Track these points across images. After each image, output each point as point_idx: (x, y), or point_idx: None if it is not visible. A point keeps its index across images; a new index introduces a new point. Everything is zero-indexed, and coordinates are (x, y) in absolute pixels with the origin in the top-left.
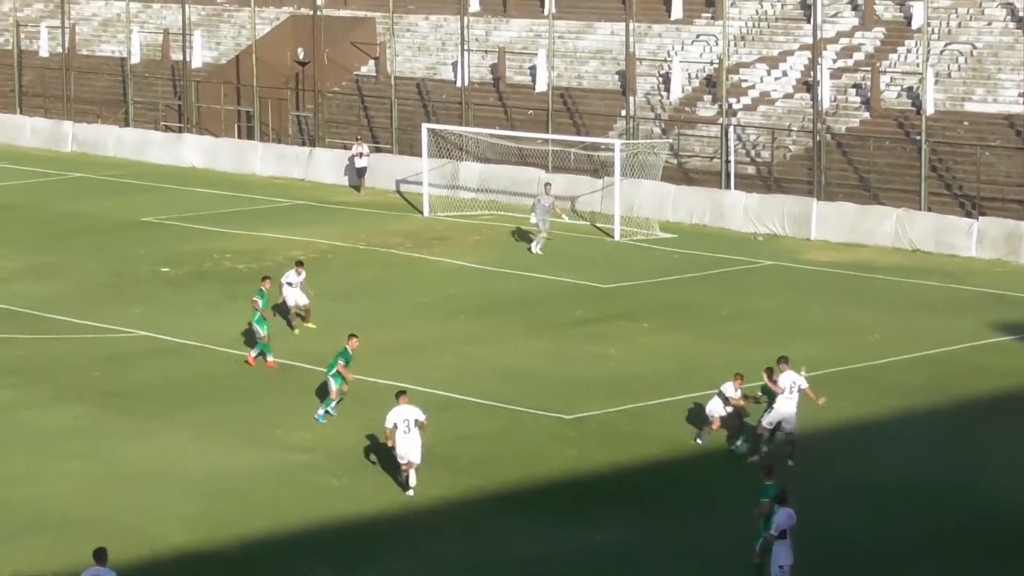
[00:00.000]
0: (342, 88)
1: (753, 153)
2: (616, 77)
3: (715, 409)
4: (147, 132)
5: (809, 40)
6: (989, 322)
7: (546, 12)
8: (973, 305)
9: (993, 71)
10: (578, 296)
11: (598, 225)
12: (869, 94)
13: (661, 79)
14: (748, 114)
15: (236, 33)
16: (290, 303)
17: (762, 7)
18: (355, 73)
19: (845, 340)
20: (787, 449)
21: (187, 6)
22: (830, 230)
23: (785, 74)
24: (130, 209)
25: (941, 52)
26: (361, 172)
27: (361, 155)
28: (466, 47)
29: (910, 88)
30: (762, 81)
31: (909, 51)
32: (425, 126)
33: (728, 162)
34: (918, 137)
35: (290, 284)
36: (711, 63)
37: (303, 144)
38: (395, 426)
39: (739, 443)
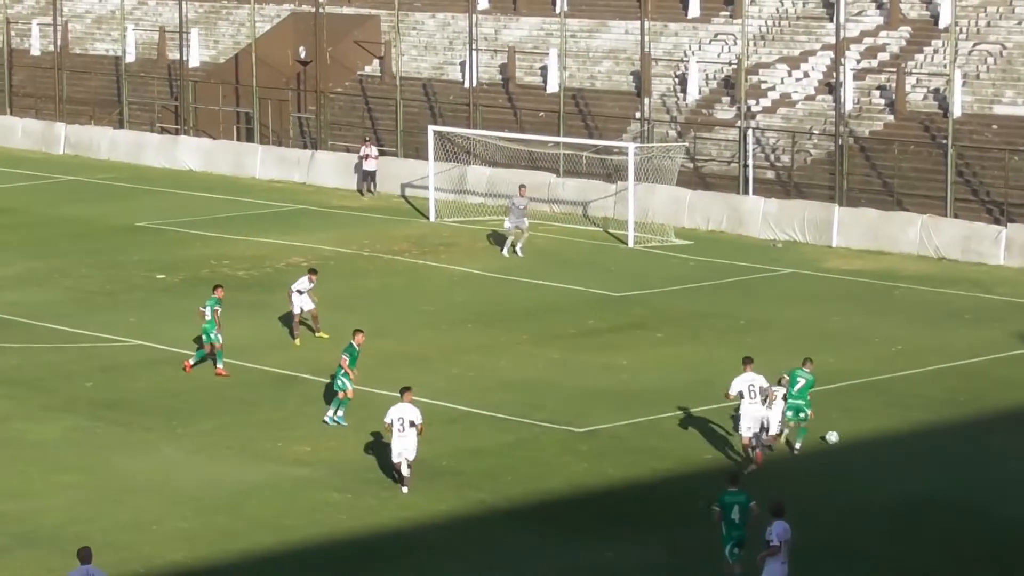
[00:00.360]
0: (345, 88)
1: (772, 157)
2: (630, 78)
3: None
4: (142, 134)
5: (832, 40)
6: (1017, 333)
7: (558, 10)
8: (1000, 315)
9: (1023, 72)
10: (590, 305)
11: (611, 231)
12: (894, 96)
13: (677, 80)
14: (768, 116)
15: (235, 31)
16: (296, 310)
17: (783, 5)
18: (359, 73)
19: (867, 351)
20: (750, 454)
21: (184, 3)
22: (852, 237)
23: (806, 75)
24: (125, 214)
25: (969, 52)
26: (369, 175)
27: (368, 157)
28: (474, 46)
29: (936, 90)
30: (782, 82)
31: (936, 51)
32: (431, 128)
33: (746, 166)
34: (944, 141)
35: (300, 292)
36: (729, 63)
37: (304, 147)
38: (392, 423)
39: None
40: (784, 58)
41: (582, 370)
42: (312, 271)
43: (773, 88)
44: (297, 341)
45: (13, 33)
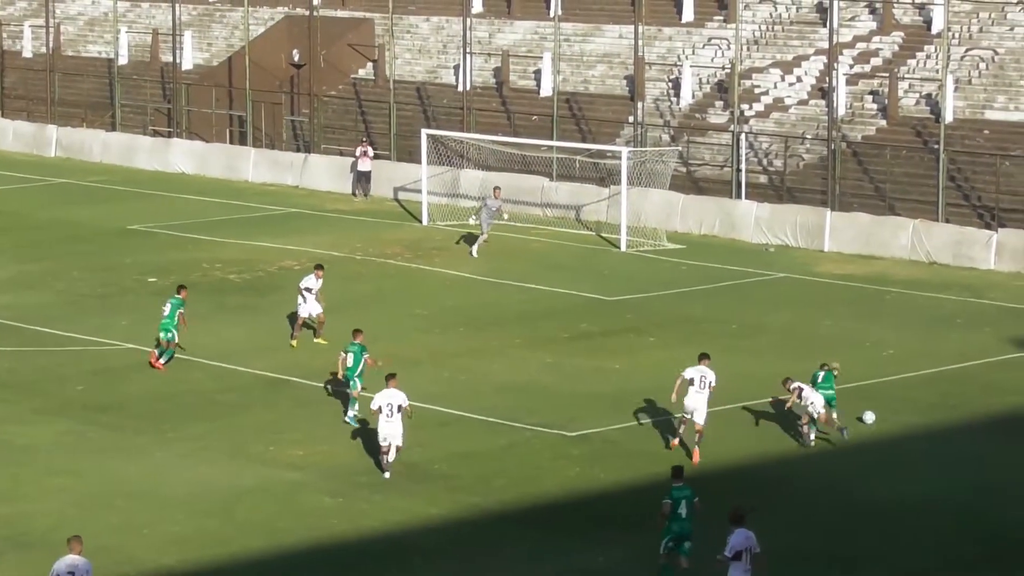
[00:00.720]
0: (339, 92)
1: (765, 162)
2: (624, 82)
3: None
4: (135, 137)
5: (825, 44)
6: (1008, 337)
7: (552, 14)
8: (991, 320)
9: (1015, 78)
10: (582, 308)
11: (604, 235)
12: (886, 101)
13: (671, 84)
14: (760, 121)
15: (228, 34)
16: (303, 313)
17: (776, 10)
18: (352, 76)
19: (858, 355)
20: (695, 437)
21: (177, 5)
22: (844, 242)
23: (800, 80)
24: (116, 217)
25: (961, 58)
26: (364, 176)
27: (363, 156)
28: (468, 50)
29: (929, 95)
30: (776, 87)
31: (928, 57)
32: (425, 132)
33: (739, 171)
34: (936, 146)
35: (308, 290)
36: (723, 68)
37: (298, 150)
38: (379, 409)
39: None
40: (777, 63)
41: (575, 374)
42: (319, 267)
43: (766, 93)
44: (294, 343)
45: (5, 35)
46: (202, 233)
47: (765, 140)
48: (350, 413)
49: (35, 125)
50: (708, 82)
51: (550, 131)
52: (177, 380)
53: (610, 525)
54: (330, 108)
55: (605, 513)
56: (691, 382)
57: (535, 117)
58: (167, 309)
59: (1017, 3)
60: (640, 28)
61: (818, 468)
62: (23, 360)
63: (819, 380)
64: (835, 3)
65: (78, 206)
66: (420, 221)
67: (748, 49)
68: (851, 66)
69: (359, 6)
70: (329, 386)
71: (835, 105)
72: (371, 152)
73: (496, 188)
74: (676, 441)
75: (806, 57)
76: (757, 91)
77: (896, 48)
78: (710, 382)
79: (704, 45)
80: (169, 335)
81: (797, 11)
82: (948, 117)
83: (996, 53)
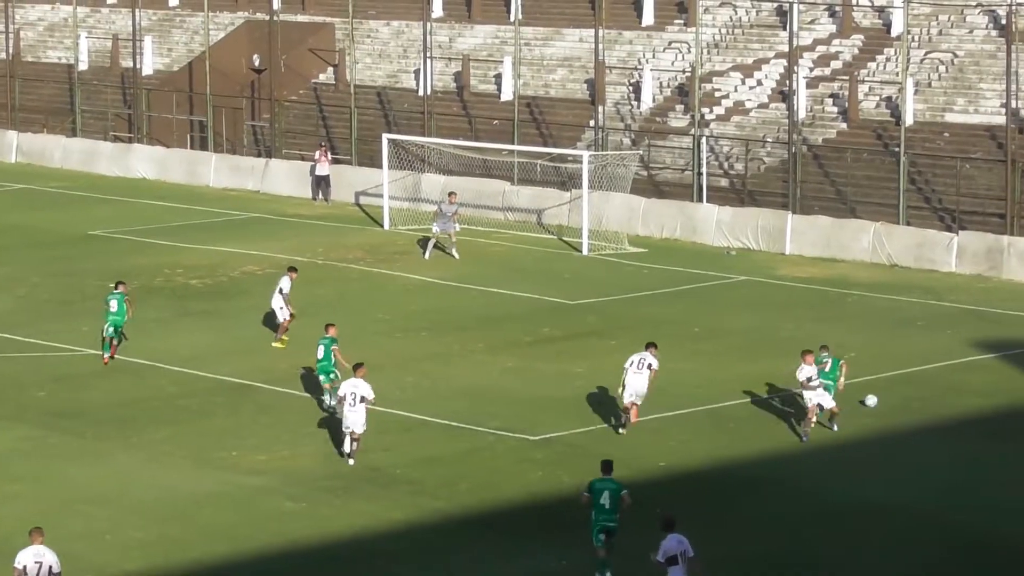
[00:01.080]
0: (299, 97)
1: (726, 165)
2: (584, 86)
3: (817, 397)
4: (95, 142)
5: (785, 48)
6: (969, 340)
7: (512, 18)
8: (952, 322)
9: (974, 81)
10: (545, 313)
11: (565, 239)
12: (847, 104)
13: (631, 88)
14: (721, 124)
15: (189, 39)
16: (281, 316)
17: (736, 13)
18: (313, 81)
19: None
20: (623, 418)
21: (138, 11)
22: (805, 244)
23: (760, 83)
24: (77, 222)
25: (921, 61)
26: (323, 180)
27: (320, 161)
28: (429, 54)
29: (889, 98)
30: (736, 90)
31: (888, 59)
32: (386, 136)
33: (700, 174)
34: (897, 149)
35: (282, 291)
36: (683, 71)
37: (258, 155)
38: (344, 397)
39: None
40: (738, 66)
41: (537, 378)
42: (292, 269)
43: (727, 96)
44: (279, 344)
45: None
46: (163, 238)
47: (726, 143)
48: (328, 402)
49: None
50: (669, 86)
51: (511, 135)
52: (139, 386)
53: (573, 528)
54: (291, 113)
55: (568, 517)
56: (630, 363)
57: (496, 121)
58: (113, 304)
59: (976, 6)
60: (600, 32)
61: (782, 472)
62: None
63: (827, 368)
64: (795, 6)
65: (39, 212)
66: (381, 226)
67: (708, 52)
68: (811, 69)
69: (319, 11)
70: (302, 378)
71: (795, 108)
72: (329, 156)
73: (451, 193)
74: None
75: (766, 60)
76: (718, 94)
77: (856, 51)
78: (649, 363)
79: (664, 49)
80: (114, 332)
81: (757, 14)
82: (908, 120)
83: (956, 56)
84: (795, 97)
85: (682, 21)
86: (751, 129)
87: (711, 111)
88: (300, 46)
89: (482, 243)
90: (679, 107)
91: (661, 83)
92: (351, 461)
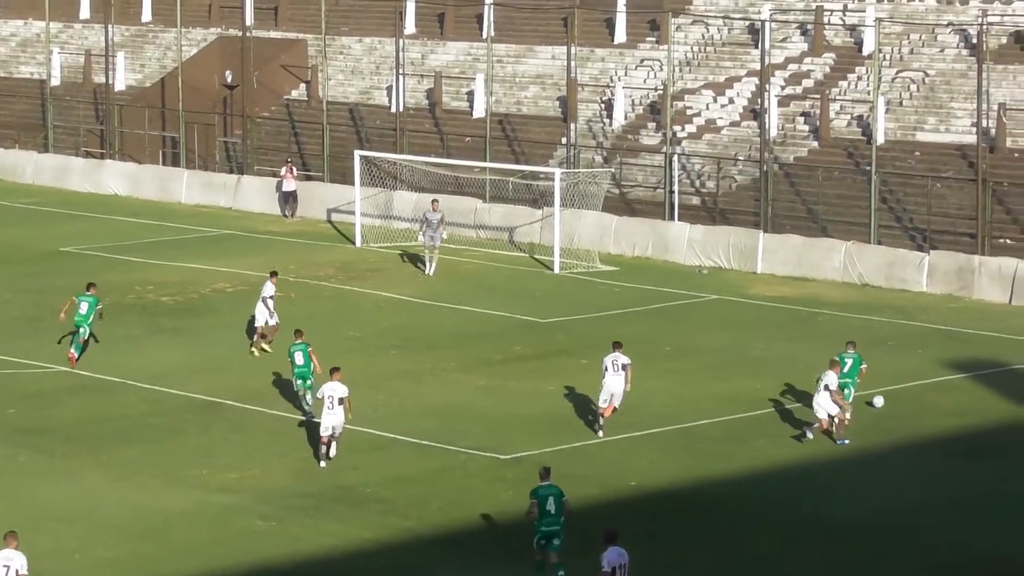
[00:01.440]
0: (272, 113)
1: (698, 183)
2: (557, 103)
3: (825, 405)
4: (67, 158)
5: (757, 66)
6: (940, 359)
7: (485, 35)
8: (923, 342)
9: (945, 100)
10: (516, 331)
11: (537, 257)
12: (818, 122)
13: (603, 105)
14: (693, 142)
15: (161, 55)
16: (259, 322)
17: (708, 31)
18: (285, 97)
19: (791, 377)
20: (599, 421)
21: (110, 26)
22: (777, 263)
23: (732, 101)
24: (49, 238)
25: (893, 80)
26: (289, 195)
27: (286, 177)
28: (401, 71)
29: (860, 117)
30: (708, 108)
31: (860, 78)
32: (358, 153)
33: (672, 192)
34: (868, 167)
35: (266, 298)
36: (655, 89)
37: (231, 171)
38: (322, 399)
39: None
40: (709, 84)
41: (508, 396)
42: (273, 273)
43: (698, 114)
44: (256, 352)
45: None
46: (135, 255)
47: (698, 161)
48: (307, 407)
49: None
50: (641, 103)
51: (483, 152)
52: (110, 403)
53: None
54: (263, 129)
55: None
56: (606, 368)
57: (468, 138)
58: (84, 307)
59: (947, 25)
60: (573, 49)
61: (753, 491)
62: None
63: (846, 369)
64: (767, 24)
65: (10, 228)
66: (353, 243)
67: (680, 70)
68: (783, 87)
69: (292, 27)
70: (273, 395)
71: (767, 126)
72: (295, 172)
73: (434, 200)
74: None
75: (738, 78)
76: (689, 112)
77: (828, 69)
78: (623, 363)
79: (636, 66)
80: (84, 332)
81: (729, 32)
82: (880, 139)
83: (927, 74)
84: (767, 115)
85: (654, 39)
86: (723, 147)
87: (683, 129)
88: (273, 62)
89: (454, 260)
90: (651, 125)
91: (633, 101)
92: (323, 464)
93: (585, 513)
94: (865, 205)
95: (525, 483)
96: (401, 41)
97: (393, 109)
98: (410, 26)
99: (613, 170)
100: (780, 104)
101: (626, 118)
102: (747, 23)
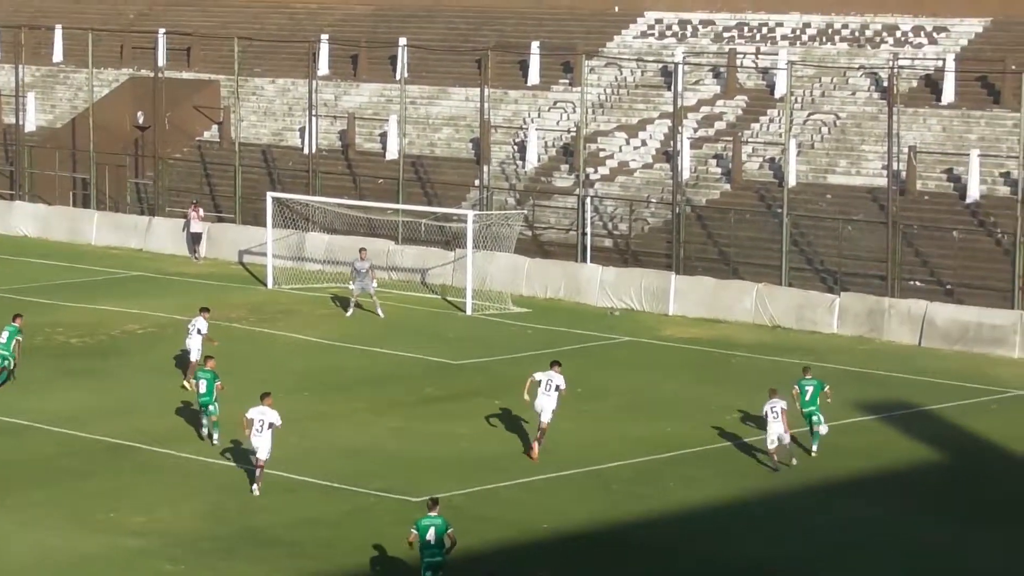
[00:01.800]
0: (184, 154)
1: (611, 225)
2: (470, 145)
3: (777, 430)
4: None
5: (669, 108)
6: (851, 401)
7: (398, 76)
8: (834, 383)
9: (856, 142)
10: (428, 373)
11: (449, 299)
12: (730, 165)
13: (516, 147)
14: (606, 184)
15: (72, 95)
16: (194, 356)
17: (621, 74)
18: (197, 139)
19: (703, 419)
20: (537, 434)
21: (21, 66)
22: (689, 305)
23: (644, 143)
24: None
25: (804, 122)
26: (196, 237)
27: (193, 218)
28: (314, 112)
29: (772, 159)
30: (621, 150)
31: (772, 121)
32: (270, 195)
33: (584, 234)
34: (780, 210)
35: (200, 332)
36: (568, 131)
37: (142, 213)
38: (251, 422)
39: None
40: (622, 126)
41: (420, 438)
42: (204, 309)
43: (611, 156)
44: (188, 386)
45: None
46: (44, 297)
47: (610, 203)
48: (207, 430)
49: None
50: (554, 145)
51: (396, 194)
52: (18, 446)
53: None
54: (175, 171)
55: None
56: (539, 383)
57: (381, 180)
58: (3, 336)
59: (858, 68)
60: (486, 91)
61: (664, 533)
62: None
63: (807, 397)
64: (680, 67)
65: None
66: (265, 285)
67: (593, 112)
68: (695, 130)
69: (205, 68)
70: (183, 437)
71: (680, 169)
72: (202, 212)
73: (362, 249)
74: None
75: (651, 120)
76: (602, 154)
77: (740, 112)
78: (557, 385)
79: (550, 108)
80: (5, 362)
81: (642, 75)
82: (791, 181)
83: (838, 117)
84: (679, 158)
85: (567, 81)
86: (635, 189)
87: (596, 171)
88: (185, 103)
89: (367, 302)
90: (564, 167)
91: (546, 143)
92: (256, 489)
93: (496, 557)
94: (776, 247)
95: None
96: (314, 82)
97: (306, 150)
98: (323, 67)
99: (526, 212)
100: (693, 146)
101: (539, 160)
102: (660, 65)
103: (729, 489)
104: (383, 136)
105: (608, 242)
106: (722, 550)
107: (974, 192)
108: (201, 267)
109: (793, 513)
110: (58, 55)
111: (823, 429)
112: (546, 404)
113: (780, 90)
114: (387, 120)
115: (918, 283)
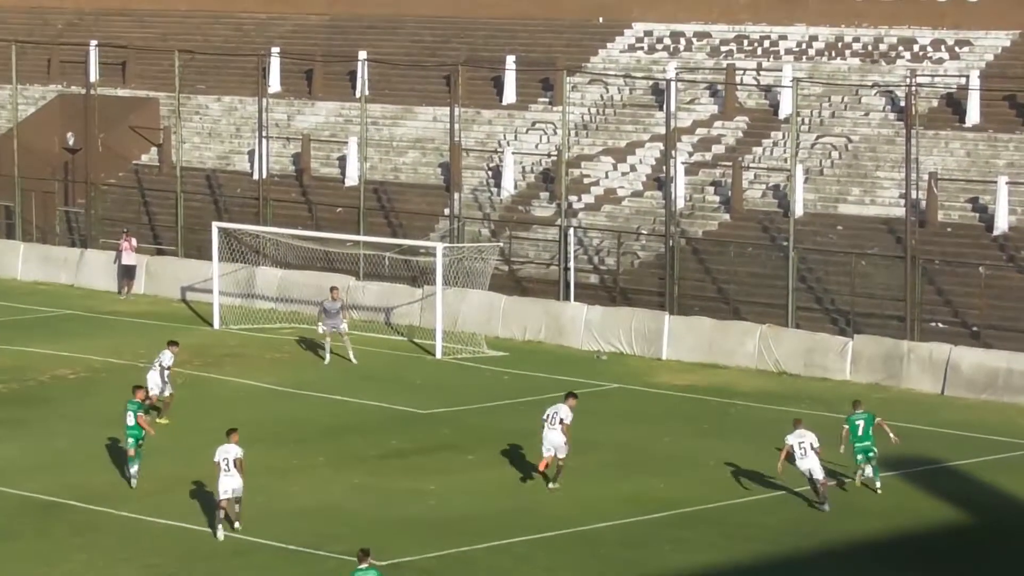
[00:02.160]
0: (119, 180)
1: (596, 260)
2: (439, 170)
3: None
4: None
5: (661, 130)
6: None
7: (358, 94)
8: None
9: (871, 168)
10: (393, 423)
11: (416, 341)
12: (730, 193)
13: (491, 173)
14: (591, 214)
15: None
16: (154, 392)
17: (607, 92)
18: (134, 162)
19: (700, 475)
20: (557, 474)
21: None
22: (684, 349)
23: (633, 169)
24: None
25: (812, 146)
26: (128, 270)
27: (124, 250)
28: (264, 133)
29: (776, 186)
30: (607, 176)
31: (776, 144)
32: (216, 225)
33: (567, 270)
34: (785, 243)
35: (163, 366)
36: (549, 155)
37: (73, 244)
38: (218, 463)
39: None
40: (609, 150)
41: (385, 496)
42: (172, 343)
43: (597, 183)
44: (162, 420)
45: None
46: None
47: (596, 235)
48: (132, 470)
49: None
50: (532, 171)
51: (356, 224)
52: None
53: None
54: (109, 198)
55: None
56: (546, 417)
57: (340, 209)
58: None
59: (872, 86)
60: (457, 110)
61: None
62: None
63: (859, 432)
64: (672, 84)
65: None
66: (211, 324)
67: (576, 134)
68: (690, 154)
69: (142, 84)
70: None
71: (673, 197)
72: (134, 243)
73: (333, 288)
74: (543, 466)
75: (641, 144)
76: (587, 181)
77: (740, 134)
78: (561, 418)
79: (528, 130)
80: None
81: (631, 93)
82: (798, 211)
83: (850, 140)
84: (673, 185)
85: (547, 99)
86: (624, 220)
87: (579, 199)
88: (120, 123)
89: (337, 346)
90: (544, 195)
91: (524, 168)
92: (238, 524)
93: None
94: (782, 284)
95: None
96: (264, 100)
97: (255, 176)
98: (275, 84)
99: (502, 244)
100: (687, 172)
101: (516, 187)
102: (651, 83)
103: (729, 553)
104: (342, 160)
105: (594, 278)
106: None
107: (1002, 223)
108: (139, 305)
109: None
110: None
111: (868, 470)
112: (554, 439)
113: (785, 110)
114: (346, 142)
115: (940, 324)
